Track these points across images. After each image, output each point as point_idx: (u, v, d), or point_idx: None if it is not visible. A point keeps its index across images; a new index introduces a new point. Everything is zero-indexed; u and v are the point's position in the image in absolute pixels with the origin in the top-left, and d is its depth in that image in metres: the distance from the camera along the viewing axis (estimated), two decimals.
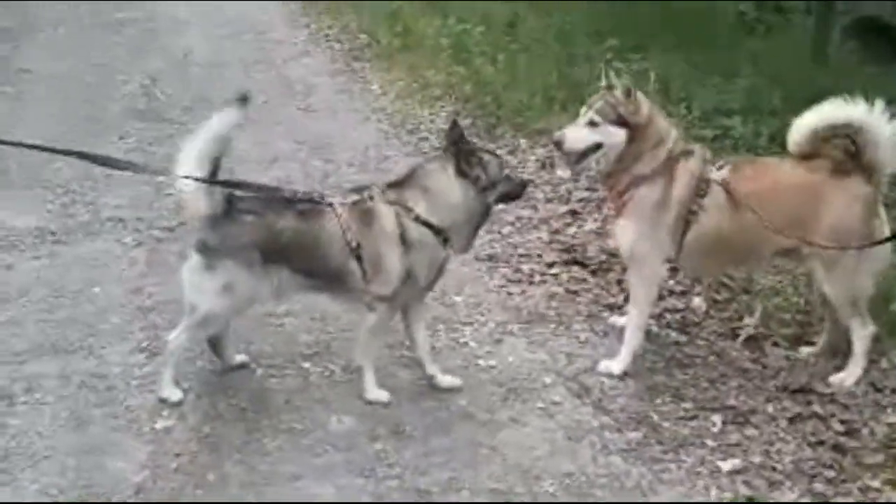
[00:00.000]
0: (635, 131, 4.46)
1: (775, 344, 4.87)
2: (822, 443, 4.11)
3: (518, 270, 5.47)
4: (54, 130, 7.26)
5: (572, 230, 6.04)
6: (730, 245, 4.54)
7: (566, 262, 5.61)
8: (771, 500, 3.79)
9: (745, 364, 4.69)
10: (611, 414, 4.31)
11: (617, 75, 4.57)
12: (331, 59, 10.06)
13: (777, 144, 7.19)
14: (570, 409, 4.33)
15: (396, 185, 4.30)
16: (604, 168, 4.57)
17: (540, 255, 5.70)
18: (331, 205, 4.17)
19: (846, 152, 4.43)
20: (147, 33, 10.64)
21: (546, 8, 10.51)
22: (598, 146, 4.49)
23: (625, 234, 4.57)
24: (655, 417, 4.30)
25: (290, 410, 4.19)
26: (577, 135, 4.52)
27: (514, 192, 4.46)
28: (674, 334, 4.98)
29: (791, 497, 3.80)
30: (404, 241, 4.16)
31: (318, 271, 4.19)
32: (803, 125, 4.46)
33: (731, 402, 4.40)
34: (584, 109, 4.54)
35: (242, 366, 4.46)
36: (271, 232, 4.09)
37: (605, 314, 5.14)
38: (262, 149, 7.33)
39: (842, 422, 4.23)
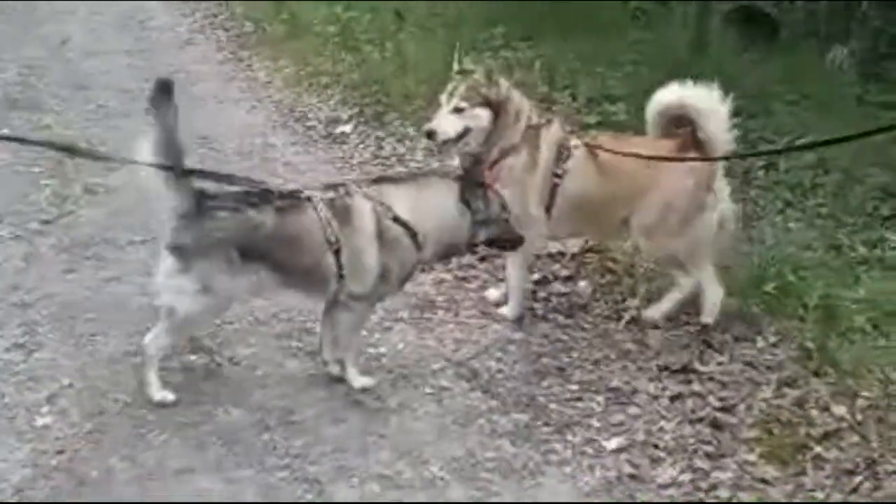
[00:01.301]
0: (498, 109, 4.71)
1: (655, 326, 4.98)
2: (701, 420, 4.22)
3: None
4: None
5: None
6: (589, 208, 4.84)
7: None
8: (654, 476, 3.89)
9: (628, 346, 4.79)
10: (499, 397, 4.36)
11: (475, 62, 4.87)
12: (216, 48, 9.94)
13: None
14: (459, 394, 4.36)
15: (384, 181, 4.30)
16: (474, 149, 4.72)
17: None
18: (309, 198, 4.08)
19: (692, 132, 4.71)
20: (25, 21, 10.32)
21: None
22: (466, 130, 4.71)
23: None
24: (542, 399, 4.36)
25: (175, 404, 4.10)
26: (447, 123, 4.71)
27: (506, 241, 4.45)
28: (560, 318, 5.06)
29: (672, 472, 3.90)
30: (381, 238, 4.10)
31: (296, 268, 4.09)
32: (649, 108, 4.83)
33: (615, 382, 4.49)
34: (445, 97, 4.75)
35: None
36: (249, 227, 3.95)
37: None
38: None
39: (720, 399, 4.35)
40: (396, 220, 4.12)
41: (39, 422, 3.97)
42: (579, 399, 4.38)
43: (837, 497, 3.74)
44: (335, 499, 3.67)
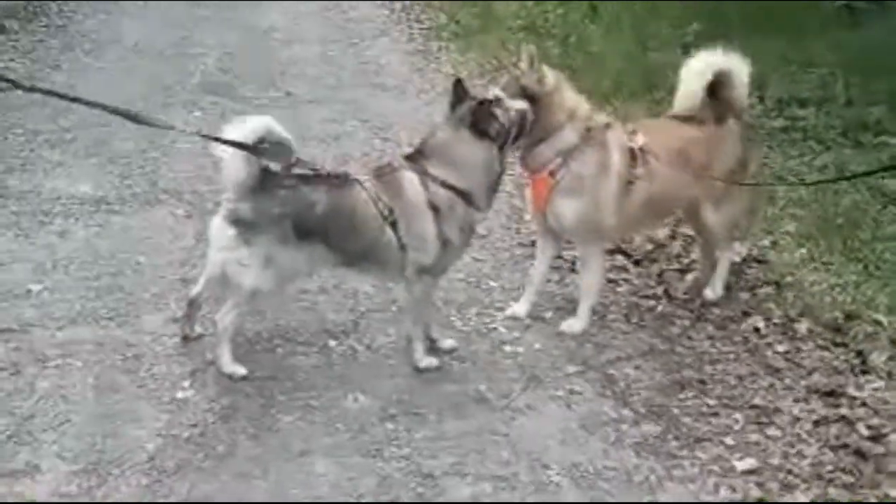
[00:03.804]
0: (541, 102, 4.44)
1: (818, 345, 4.73)
2: (845, 447, 3.97)
3: (559, 257, 5.38)
4: (126, 100, 7.47)
5: None
6: (658, 206, 4.78)
7: (610, 251, 5.49)
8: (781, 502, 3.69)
9: (778, 363, 4.56)
10: (631, 406, 4.24)
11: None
12: (408, 39, 10.11)
13: (849, 139, 7.00)
14: (589, 399, 4.27)
15: (415, 155, 4.30)
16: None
17: None
18: (357, 179, 4.18)
19: (713, 101, 4.75)
20: (230, 8, 10.81)
21: None
22: None
23: (569, 209, 4.58)
24: (676, 412, 4.22)
25: (308, 387, 4.22)
26: None
27: (522, 129, 4.38)
28: (711, 328, 4.88)
29: (803, 500, 3.68)
30: (433, 206, 4.16)
31: (355, 245, 4.19)
32: (694, 77, 4.76)
33: (757, 400, 4.29)
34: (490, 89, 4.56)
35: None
36: (305, 205, 4.08)
37: (644, 304, 5.08)
38: (327, 126, 7.45)
39: (869, 427, 4.08)
40: (444, 184, 4.17)
41: (180, 395, 4.14)
42: (716, 414, 4.21)
43: None
44: (447, 496, 3.66)
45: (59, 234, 5.48)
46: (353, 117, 7.68)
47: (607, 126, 4.61)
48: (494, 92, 4.47)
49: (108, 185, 6.15)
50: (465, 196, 4.21)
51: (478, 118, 4.20)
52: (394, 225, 4.13)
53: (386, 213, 4.13)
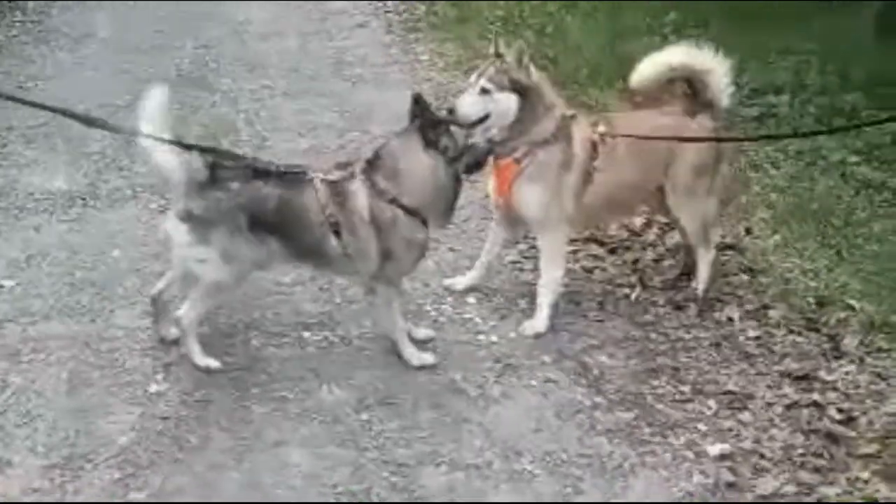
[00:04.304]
0: (527, 96, 4.47)
1: (790, 330, 4.76)
2: (815, 431, 4.01)
3: (533, 247, 5.38)
4: (102, 95, 7.47)
5: None
6: (619, 196, 4.78)
7: (585, 240, 5.53)
8: (753, 487, 3.72)
9: (751, 349, 4.59)
10: (605, 394, 4.26)
11: (507, 45, 4.57)
12: (386, 30, 10.06)
13: (824, 125, 7.02)
14: (564, 388, 4.29)
15: (370, 163, 4.22)
16: (497, 135, 4.48)
17: None
18: (311, 179, 4.14)
19: (687, 94, 4.77)
20: (208, 2, 10.73)
21: None
22: (490, 114, 4.46)
23: (531, 197, 4.59)
24: (650, 399, 4.24)
25: (282, 378, 4.23)
26: (469, 103, 4.46)
27: (480, 160, 4.34)
28: (684, 317, 4.89)
29: (774, 484, 3.72)
30: (374, 220, 4.11)
31: (304, 243, 4.15)
32: (651, 67, 4.69)
33: (730, 386, 4.32)
34: (473, 78, 4.53)
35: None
36: (257, 198, 4.05)
37: (619, 292, 5.09)
38: (303, 118, 7.41)
39: (840, 410, 4.12)
40: (392, 201, 4.12)
41: (153, 388, 4.15)
42: (689, 401, 4.24)
43: None
44: (420, 484, 3.68)
45: (34, 230, 5.46)
46: (330, 109, 7.65)
47: (573, 118, 4.62)
48: (482, 84, 4.44)
49: (82, 180, 6.12)
50: (411, 213, 4.15)
51: (429, 136, 4.13)
52: (337, 233, 4.10)
53: (330, 220, 4.09)
